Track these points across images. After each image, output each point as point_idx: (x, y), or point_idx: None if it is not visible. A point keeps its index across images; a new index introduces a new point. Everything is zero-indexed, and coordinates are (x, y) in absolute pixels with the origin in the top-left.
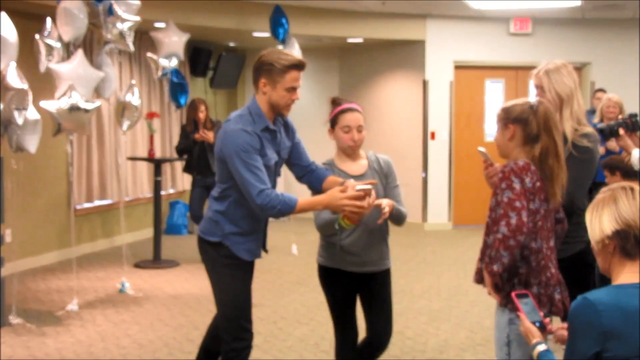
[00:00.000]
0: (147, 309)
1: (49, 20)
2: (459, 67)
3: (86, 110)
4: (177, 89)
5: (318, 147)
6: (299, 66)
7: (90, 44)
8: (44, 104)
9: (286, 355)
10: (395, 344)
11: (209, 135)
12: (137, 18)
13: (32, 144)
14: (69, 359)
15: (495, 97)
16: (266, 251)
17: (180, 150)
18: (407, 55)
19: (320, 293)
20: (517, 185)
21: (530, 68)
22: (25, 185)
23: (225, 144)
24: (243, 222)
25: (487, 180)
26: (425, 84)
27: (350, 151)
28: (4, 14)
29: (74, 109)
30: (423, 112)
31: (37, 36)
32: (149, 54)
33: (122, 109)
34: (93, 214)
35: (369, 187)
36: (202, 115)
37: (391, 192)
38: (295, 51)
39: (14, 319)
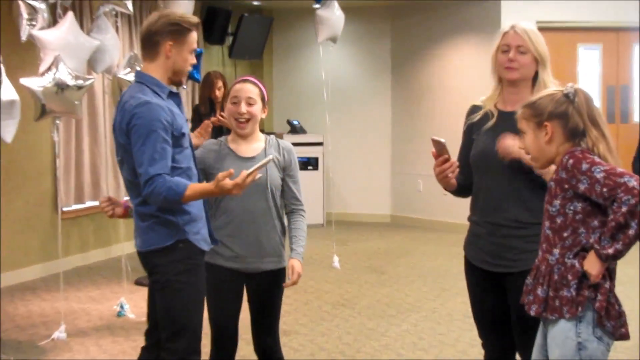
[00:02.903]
0: None
1: None
2: (543, 30)
3: (78, 88)
4: None
5: (369, 125)
6: (199, 26)
7: (80, 5)
8: (25, 81)
9: None
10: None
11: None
12: None
13: (7, 131)
14: None
15: (590, 66)
16: (216, 242)
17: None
18: (477, 15)
19: (369, 318)
20: (599, 159)
21: (634, 30)
22: (1, 183)
23: (131, 122)
24: (189, 205)
25: (441, 179)
26: None
27: (238, 128)
28: None
29: (62, 86)
30: None
31: None
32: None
33: (120, 86)
34: (84, 218)
35: (259, 165)
36: (219, 93)
37: (288, 187)
38: (336, 12)
39: None
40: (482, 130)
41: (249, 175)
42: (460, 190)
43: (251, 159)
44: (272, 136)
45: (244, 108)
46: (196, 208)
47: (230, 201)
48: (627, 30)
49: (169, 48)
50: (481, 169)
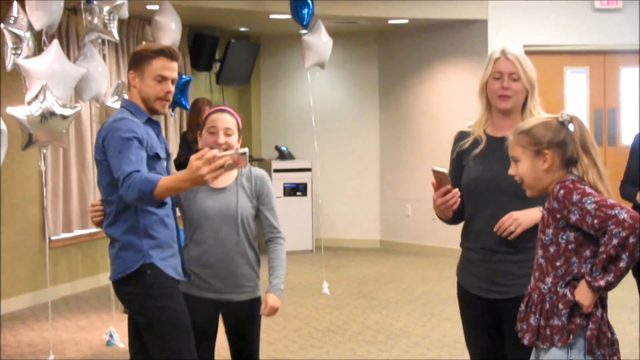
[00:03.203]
0: None
1: (15, 4)
2: (530, 53)
3: (63, 117)
4: (176, 87)
5: (357, 150)
6: (166, 53)
7: (67, 33)
8: (11, 110)
9: None
10: None
11: None
12: (123, 0)
13: None
14: None
15: (577, 89)
16: (189, 276)
17: (180, 164)
18: (464, 39)
19: (359, 345)
20: (591, 189)
21: (621, 52)
22: None
23: (107, 137)
24: (156, 231)
25: (442, 210)
26: None
27: None
28: None
29: (49, 115)
30: None
31: (1, 25)
32: (144, 43)
33: (107, 114)
34: (72, 247)
35: (232, 152)
36: None
37: (264, 216)
38: (323, 38)
39: None
40: (471, 156)
41: (219, 157)
42: (454, 218)
43: (222, 190)
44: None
45: (222, 138)
46: (164, 235)
47: (202, 232)
48: (614, 54)
49: (132, 77)
50: (474, 196)
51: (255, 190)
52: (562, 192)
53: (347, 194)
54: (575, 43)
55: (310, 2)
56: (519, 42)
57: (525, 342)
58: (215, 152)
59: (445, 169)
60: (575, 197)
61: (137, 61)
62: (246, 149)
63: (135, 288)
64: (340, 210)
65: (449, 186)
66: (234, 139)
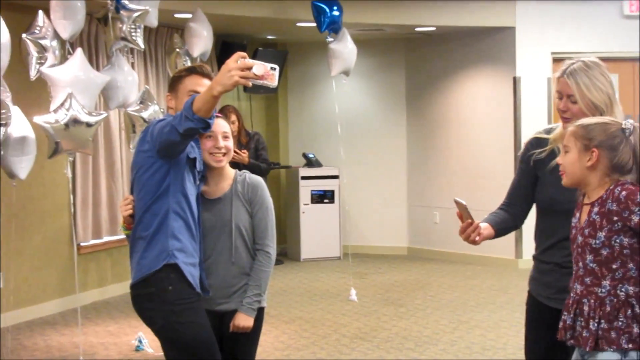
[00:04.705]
0: None
1: (40, 13)
2: (558, 61)
3: (89, 125)
4: None
5: (384, 157)
6: (197, 70)
7: (96, 43)
8: (38, 119)
9: None
10: None
11: (244, 156)
12: (147, 8)
13: (21, 167)
14: None
15: None
16: (207, 292)
17: None
18: (491, 46)
19: (387, 352)
20: None
21: None
22: (19, 219)
23: (150, 125)
24: (182, 235)
25: (466, 239)
26: (516, 82)
27: (214, 162)
28: None
29: (74, 122)
30: (514, 117)
31: (24, 35)
32: (178, 49)
33: (132, 122)
34: (101, 253)
35: (264, 63)
36: (234, 128)
37: (253, 224)
38: (348, 45)
39: None
40: (548, 168)
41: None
42: (499, 235)
43: (217, 200)
44: (244, 171)
45: (221, 142)
46: (189, 242)
47: (205, 244)
48: None
49: (169, 99)
50: (548, 215)
51: (248, 197)
52: (624, 193)
53: (374, 201)
54: (605, 50)
55: (327, 9)
56: (547, 49)
57: (587, 348)
58: (239, 54)
59: (464, 200)
60: None
61: (172, 84)
62: (277, 66)
63: (157, 304)
64: (367, 217)
65: (470, 220)
66: (231, 144)
